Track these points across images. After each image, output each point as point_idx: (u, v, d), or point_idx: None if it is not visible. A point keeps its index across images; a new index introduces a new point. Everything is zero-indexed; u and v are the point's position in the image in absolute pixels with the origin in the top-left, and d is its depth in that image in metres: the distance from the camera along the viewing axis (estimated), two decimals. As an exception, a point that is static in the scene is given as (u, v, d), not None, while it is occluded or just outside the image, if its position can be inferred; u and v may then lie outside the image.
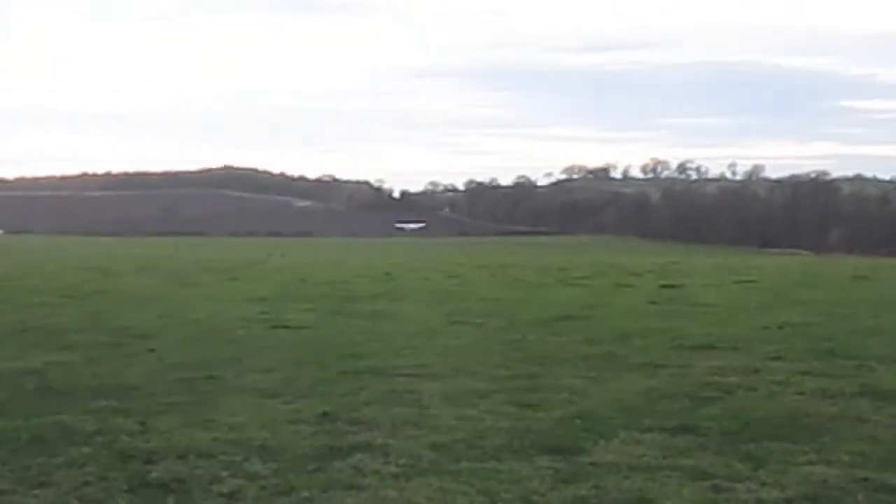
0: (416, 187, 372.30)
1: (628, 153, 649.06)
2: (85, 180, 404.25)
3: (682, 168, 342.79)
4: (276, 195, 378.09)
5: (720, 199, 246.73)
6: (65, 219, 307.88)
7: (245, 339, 19.30)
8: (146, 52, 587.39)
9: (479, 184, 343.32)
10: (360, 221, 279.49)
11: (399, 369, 15.32)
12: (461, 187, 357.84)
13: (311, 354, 17.02)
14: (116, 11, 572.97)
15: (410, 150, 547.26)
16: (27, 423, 11.44)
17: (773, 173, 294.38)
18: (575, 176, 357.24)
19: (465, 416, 11.93)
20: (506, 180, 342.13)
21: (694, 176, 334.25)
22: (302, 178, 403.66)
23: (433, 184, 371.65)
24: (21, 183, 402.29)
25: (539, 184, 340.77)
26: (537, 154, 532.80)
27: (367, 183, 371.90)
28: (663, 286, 32.11)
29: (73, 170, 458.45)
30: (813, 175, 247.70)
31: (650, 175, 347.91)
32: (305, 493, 8.77)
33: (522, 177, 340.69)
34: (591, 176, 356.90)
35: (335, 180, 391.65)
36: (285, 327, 21.00)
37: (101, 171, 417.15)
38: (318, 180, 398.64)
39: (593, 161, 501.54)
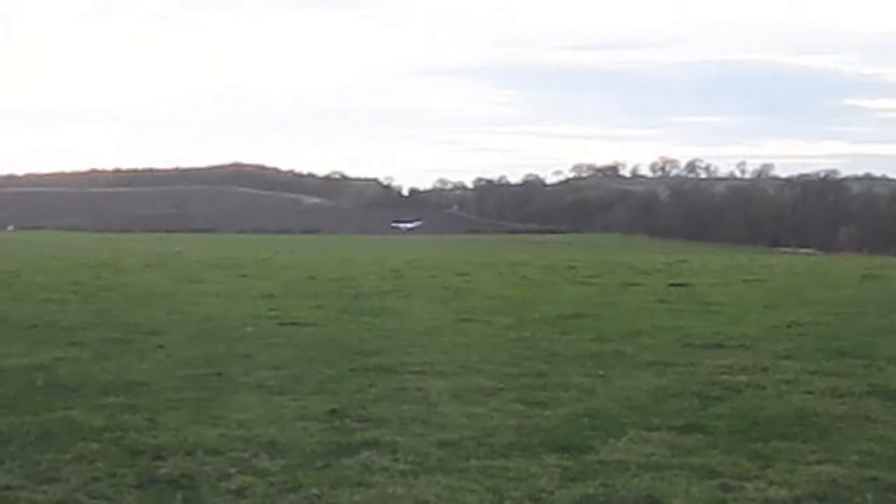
0: (424, 185, 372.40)
1: (637, 151, 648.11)
2: (94, 177, 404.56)
3: (691, 166, 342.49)
4: (284, 192, 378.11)
5: (729, 198, 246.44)
6: (74, 215, 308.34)
7: (253, 335, 19.29)
8: (151, 52, 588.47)
9: (488, 181, 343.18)
10: (368, 219, 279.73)
11: (407, 367, 15.32)
12: (470, 185, 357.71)
13: (320, 351, 17.01)
14: (117, 11, 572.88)
15: (419, 148, 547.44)
16: (36, 418, 11.45)
17: (782, 172, 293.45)
18: (584, 174, 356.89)
19: (474, 414, 11.93)
20: (514, 178, 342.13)
21: (703, 174, 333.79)
22: (311, 176, 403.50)
23: (442, 181, 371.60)
24: (30, 179, 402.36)
25: (548, 182, 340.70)
26: (546, 152, 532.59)
27: (375, 180, 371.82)
28: (672, 285, 32.10)
29: (82, 166, 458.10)
30: (822, 174, 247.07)
31: (659, 173, 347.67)
32: (314, 490, 8.78)
33: (531, 175, 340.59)
34: (599, 174, 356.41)
35: (344, 178, 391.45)
36: (294, 324, 20.98)
37: (109, 167, 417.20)
38: (327, 177, 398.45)
39: (602, 159, 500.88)
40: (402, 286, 32.15)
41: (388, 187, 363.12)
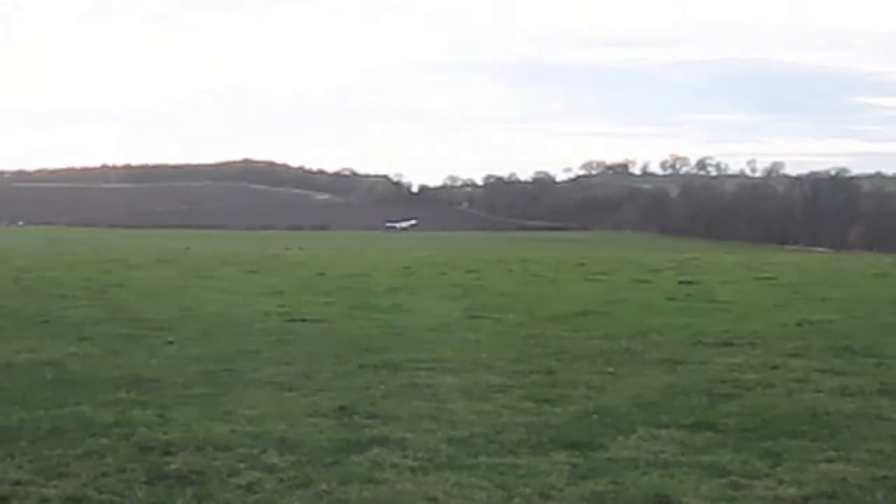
0: (434, 182, 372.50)
1: (647, 149, 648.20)
2: (104, 173, 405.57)
3: (701, 164, 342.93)
4: (294, 188, 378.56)
5: (739, 196, 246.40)
6: (84, 211, 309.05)
7: (263, 332, 19.29)
8: (151, 52, 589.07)
9: (498, 179, 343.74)
10: (378, 215, 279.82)
11: (417, 363, 15.32)
12: (480, 182, 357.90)
13: (329, 348, 17.02)
14: (117, 11, 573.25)
15: (429, 145, 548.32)
16: (46, 414, 11.48)
17: (792, 170, 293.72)
18: (594, 171, 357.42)
19: (483, 411, 11.94)
20: (525, 175, 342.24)
21: (713, 172, 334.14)
22: (321, 172, 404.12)
23: (452, 178, 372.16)
24: (41, 175, 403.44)
25: (558, 179, 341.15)
26: (556, 149, 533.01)
27: (385, 177, 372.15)
28: (682, 283, 32.00)
29: (92, 162, 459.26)
30: (833, 172, 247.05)
31: (669, 171, 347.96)
32: (323, 486, 8.79)
33: (541, 172, 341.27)
34: (610, 171, 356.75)
35: (354, 174, 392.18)
36: (303, 321, 20.98)
37: (120, 163, 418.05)
38: (337, 174, 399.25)
39: (612, 157, 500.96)
40: (412, 283, 32.11)
41: (397, 184, 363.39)
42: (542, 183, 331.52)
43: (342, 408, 11.92)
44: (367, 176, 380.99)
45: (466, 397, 12.83)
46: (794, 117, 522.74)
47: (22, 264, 42.24)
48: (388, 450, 9.98)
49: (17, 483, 8.89)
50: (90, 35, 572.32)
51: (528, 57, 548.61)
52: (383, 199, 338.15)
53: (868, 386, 13.65)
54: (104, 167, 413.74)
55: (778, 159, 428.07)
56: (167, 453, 9.82)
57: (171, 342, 17.75)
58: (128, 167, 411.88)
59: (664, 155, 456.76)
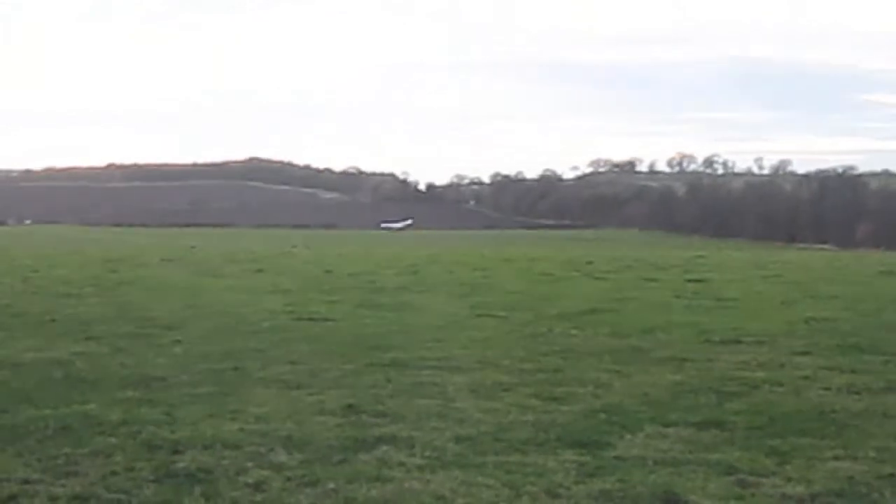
0: (441, 180, 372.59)
1: (654, 147, 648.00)
2: (111, 171, 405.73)
3: (708, 162, 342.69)
4: (301, 187, 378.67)
5: (746, 194, 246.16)
6: (92, 210, 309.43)
7: (270, 330, 19.31)
8: (151, 52, 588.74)
9: (505, 177, 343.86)
10: (385, 213, 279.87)
11: (424, 362, 15.32)
12: (487, 180, 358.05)
13: (337, 346, 17.03)
14: (117, 11, 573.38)
15: (436, 143, 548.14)
16: (55, 412, 11.49)
17: (799, 168, 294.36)
18: (601, 169, 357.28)
19: (490, 409, 11.93)
20: (531, 173, 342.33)
21: (720, 170, 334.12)
22: (327, 171, 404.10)
23: (459, 176, 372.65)
24: (49, 174, 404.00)
25: (565, 177, 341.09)
26: (563, 147, 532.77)
27: (392, 175, 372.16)
28: (689, 280, 32.01)
29: (99, 161, 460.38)
30: (840, 170, 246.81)
31: (676, 169, 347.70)
32: (331, 485, 8.79)
33: (548, 170, 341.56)
34: (616, 170, 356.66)
35: (361, 172, 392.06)
36: (311, 319, 21.01)
37: (127, 162, 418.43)
38: (344, 172, 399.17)
39: (619, 155, 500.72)
40: (419, 281, 32.14)
41: (404, 182, 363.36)
42: (549, 181, 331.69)
43: (349, 406, 11.92)
44: (374, 174, 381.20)
45: (474, 395, 12.83)
46: (802, 115, 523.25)
47: (29, 263, 42.37)
48: (395, 448, 9.99)
49: (26, 481, 8.90)
50: (91, 35, 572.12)
51: (535, 56, 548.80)
52: (390, 198, 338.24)
53: (875, 384, 13.64)
54: (111, 166, 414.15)
55: (785, 157, 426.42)
56: (175, 452, 9.82)
57: (178, 341, 17.76)
58: (134, 166, 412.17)
59: (671, 153, 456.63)
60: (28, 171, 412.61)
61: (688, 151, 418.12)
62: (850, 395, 12.99)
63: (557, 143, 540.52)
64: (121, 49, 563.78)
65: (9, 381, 13.85)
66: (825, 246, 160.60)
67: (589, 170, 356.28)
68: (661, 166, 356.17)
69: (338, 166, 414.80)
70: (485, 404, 12.23)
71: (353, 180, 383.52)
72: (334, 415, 11.54)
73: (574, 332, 19.26)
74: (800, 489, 8.77)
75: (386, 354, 16.01)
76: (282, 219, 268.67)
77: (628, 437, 10.52)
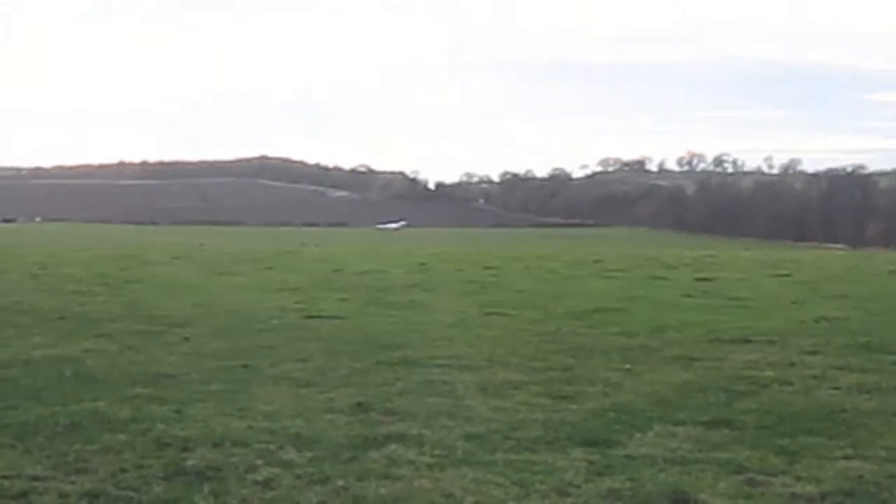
0: (450, 178, 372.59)
1: (664, 146, 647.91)
2: (121, 169, 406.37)
3: (718, 161, 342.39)
4: (311, 185, 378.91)
5: (756, 193, 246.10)
6: (101, 207, 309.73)
7: (279, 328, 19.32)
8: (165, 50, 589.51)
9: (514, 175, 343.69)
10: (394, 212, 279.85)
11: (433, 360, 15.32)
12: (496, 179, 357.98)
13: (346, 344, 17.02)
14: (117, 11, 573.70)
15: (445, 142, 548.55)
16: (64, 409, 11.49)
17: (809, 167, 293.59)
18: (610, 168, 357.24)
19: (500, 408, 11.93)
20: (541, 172, 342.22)
21: (730, 169, 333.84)
22: (337, 169, 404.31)
23: (468, 175, 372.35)
24: (58, 172, 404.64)
25: (574, 176, 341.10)
26: (573, 146, 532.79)
27: (401, 174, 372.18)
28: (698, 279, 31.95)
29: (109, 159, 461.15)
30: (850, 169, 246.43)
31: (686, 168, 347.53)
32: (340, 483, 8.79)
33: (558, 169, 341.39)
34: (626, 168, 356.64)
35: (370, 171, 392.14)
36: (320, 317, 21.00)
37: (137, 160, 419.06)
38: (354, 171, 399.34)
39: (629, 153, 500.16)
40: (429, 279, 32.12)
41: (414, 180, 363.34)
42: (559, 179, 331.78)
43: (359, 404, 11.92)
44: (384, 173, 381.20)
45: (483, 394, 12.82)
46: (811, 114, 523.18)
47: (39, 260, 42.36)
48: (404, 446, 9.98)
49: (35, 478, 8.91)
50: (92, 35, 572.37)
51: (545, 55, 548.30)
52: (399, 196, 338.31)
53: (886, 383, 13.61)
54: (121, 164, 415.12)
55: (795, 156, 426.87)
56: (185, 449, 9.83)
57: (187, 338, 17.78)
58: (144, 164, 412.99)
59: (681, 152, 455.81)
60: (38, 169, 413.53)
61: (698, 150, 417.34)
62: (860, 394, 12.97)
63: (566, 142, 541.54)
64: (121, 49, 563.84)
65: (18, 378, 13.87)
66: (835, 245, 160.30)
67: (598, 168, 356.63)
68: (671, 165, 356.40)
69: (347, 164, 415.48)
70: (494, 402, 12.23)
71: (362, 179, 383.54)
72: (344, 413, 11.54)
73: (583, 330, 19.26)
74: (809, 488, 8.76)
75: (395, 353, 16.01)
76: (291, 217, 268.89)
77: (638, 435, 10.51)
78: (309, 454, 9.67)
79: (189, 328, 19.11)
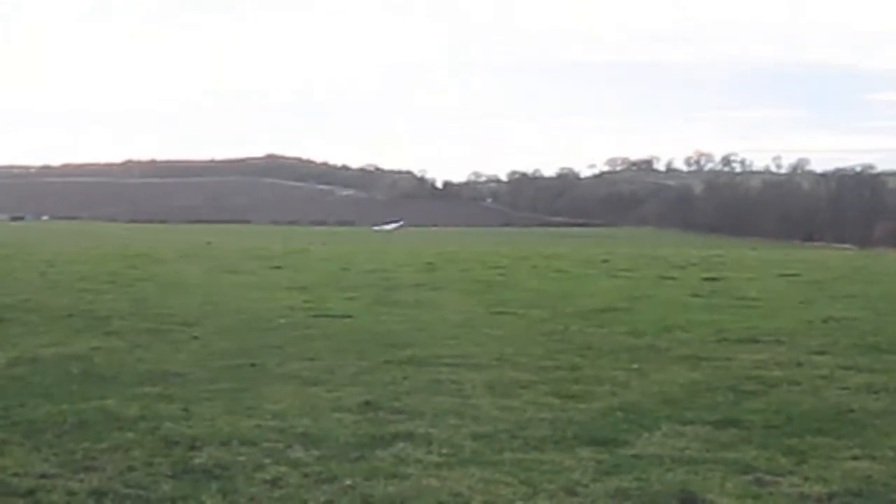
0: (458, 177, 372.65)
1: (672, 145, 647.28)
2: (129, 168, 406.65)
3: (726, 160, 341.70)
4: (318, 184, 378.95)
5: (764, 193, 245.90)
6: (109, 206, 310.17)
7: (287, 327, 19.34)
8: (172, 50, 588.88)
9: (522, 175, 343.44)
10: (402, 211, 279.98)
11: (441, 359, 15.32)
12: (504, 178, 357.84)
13: (354, 343, 17.04)
14: (117, 11, 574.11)
15: (453, 141, 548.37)
16: (72, 407, 11.51)
17: (817, 167, 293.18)
18: (618, 168, 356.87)
19: (508, 407, 11.93)
20: (549, 171, 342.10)
21: (738, 169, 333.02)
22: (345, 168, 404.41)
23: (476, 174, 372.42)
24: (66, 170, 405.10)
25: (582, 175, 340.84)
26: (580, 145, 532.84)
27: (409, 173, 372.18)
28: (706, 279, 31.94)
29: (117, 157, 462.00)
30: (858, 168, 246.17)
31: (694, 167, 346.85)
32: (348, 481, 8.79)
33: (565, 168, 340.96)
34: (634, 168, 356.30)
35: (378, 169, 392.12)
36: (327, 316, 21.01)
37: (145, 159, 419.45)
38: (361, 169, 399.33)
39: (637, 153, 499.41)
40: (436, 279, 32.12)
41: (422, 179, 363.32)
42: (566, 179, 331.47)
43: (367, 403, 11.93)
44: (391, 172, 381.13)
45: (491, 393, 12.83)
46: (820, 114, 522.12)
47: (47, 258, 42.44)
48: (412, 445, 9.99)
49: (43, 476, 8.93)
50: (93, 34, 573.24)
51: (552, 54, 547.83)
52: (407, 195, 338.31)
53: (894, 383, 13.57)
54: (129, 162, 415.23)
55: (803, 155, 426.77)
56: (192, 448, 9.84)
57: (195, 337, 17.81)
58: (152, 162, 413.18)
59: (689, 151, 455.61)
60: (46, 167, 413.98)
61: (705, 150, 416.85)
62: (868, 394, 12.95)
63: (567, 141, 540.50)
64: (121, 49, 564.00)
65: (26, 376, 13.90)
66: (843, 245, 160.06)
67: (606, 168, 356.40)
68: (679, 164, 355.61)
69: (355, 163, 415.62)
70: (502, 402, 12.23)
71: (370, 177, 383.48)
72: (351, 411, 11.54)
73: (591, 329, 19.26)
74: (817, 488, 8.76)
75: (403, 351, 16.02)
76: (298, 215, 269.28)
77: (645, 435, 10.51)
78: (317, 453, 9.68)
79: (197, 327, 19.14)
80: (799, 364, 15.18)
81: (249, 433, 10.38)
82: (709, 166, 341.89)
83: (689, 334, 18.57)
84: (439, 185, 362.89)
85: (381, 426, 10.78)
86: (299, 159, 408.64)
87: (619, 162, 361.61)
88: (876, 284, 31.05)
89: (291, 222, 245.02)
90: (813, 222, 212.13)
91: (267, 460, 9.42)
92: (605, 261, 43.54)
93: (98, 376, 13.88)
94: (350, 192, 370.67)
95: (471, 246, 76.14)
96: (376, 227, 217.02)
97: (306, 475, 9.00)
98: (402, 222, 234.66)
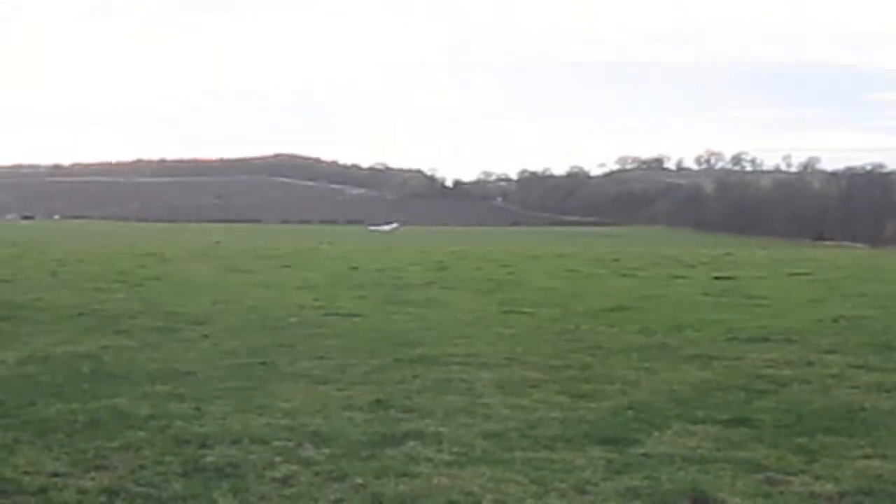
0: (468, 176, 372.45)
1: (683, 144, 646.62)
2: (139, 167, 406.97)
3: (736, 159, 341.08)
4: (328, 183, 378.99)
5: (774, 191, 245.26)
6: (119, 205, 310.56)
7: (298, 326, 19.36)
8: (180, 49, 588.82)
9: (532, 173, 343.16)
10: (412, 209, 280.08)
11: (452, 358, 15.33)
12: (514, 177, 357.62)
13: (364, 342, 17.06)
14: (117, 11, 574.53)
15: (453, 141, 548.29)
16: (83, 406, 11.53)
17: (828, 165, 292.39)
18: (628, 166, 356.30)
19: (518, 406, 11.93)
20: (559, 170, 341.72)
21: (748, 167, 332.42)
22: (355, 167, 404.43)
23: (486, 173, 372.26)
24: (77, 169, 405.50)
25: (592, 174, 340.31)
26: (591, 144, 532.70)
27: (419, 171, 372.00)
28: (717, 278, 31.93)
29: (127, 156, 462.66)
30: (869, 167, 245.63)
31: (704, 166, 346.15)
32: (358, 480, 8.80)
33: (576, 167, 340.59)
34: (644, 167, 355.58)
35: (388, 168, 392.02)
36: (338, 315, 21.03)
37: (155, 157, 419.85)
38: (371, 168, 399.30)
39: (647, 152, 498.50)
40: (446, 277, 32.13)
41: (432, 178, 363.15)
42: (577, 178, 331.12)
43: (377, 401, 11.94)
44: (401, 170, 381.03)
45: (501, 392, 12.83)
46: (830, 112, 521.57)
47: (58, 257, 42.52)
48: (423, 444, 9.99)
49: (55, 475, 8.94)
50: (93, 34, 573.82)
51: (562, 54, 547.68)
52: (417, 194, 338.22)
53: (905, 382, 13.58)
54: (139, 161, 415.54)
55: (813, 154, 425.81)
56: (203, 446, 9.85)
57: (206, 336, 17.84)
58: (162, 162, 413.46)
59: (699, 150, 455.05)
60: (56, 167, 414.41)
61: (716, 149, 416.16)
62: (879, 393, 12.94)
63: (585, 139, 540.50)
64: (121, 49, 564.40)
65: (38, 375, 13.93)
66: (854, 243, 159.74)
67: (616, 166, 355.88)
68: (689, 163, 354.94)
69: (365, 162, 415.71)
70: (512, 401, 12.23)
71: (380, 176, 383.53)
72: (362, 410, 11.55)
73: (602, 328, 19.26)
74: (828, 487, 8.75)
75: (413, 350, 16.03)
76: (308, 215, 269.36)
77: (656, 434, 10.50)
78: (327, 451, 9.69)
79: (207, 325, 19.16)
80: (810, 363, 15.17)
81: (260, 432, 10.39)
82: (719, 165, 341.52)
83: (700, 333, 18.56)
84: (449, 184, 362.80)
85: (391, 425, 10.79)
86: (308, 158, 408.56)
87: (629, 161, 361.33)
88: (887, 283, 31.01)
89: (301, 221, 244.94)
90: (823, 221, 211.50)
91: (278, 459, 9.43)
92: (616, 260, 43.57)
93: (109, 375, 13.90)
94: (360, 191, 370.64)
95: (480, 245, 76.12)
96: (372, 227, 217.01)
97: (317, 473, 9.01)
98: (398, 224, 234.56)
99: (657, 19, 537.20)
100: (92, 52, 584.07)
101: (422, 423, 10.84)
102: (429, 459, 9.46)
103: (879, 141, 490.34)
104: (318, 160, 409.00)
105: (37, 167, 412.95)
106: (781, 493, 8.64)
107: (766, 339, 17.73)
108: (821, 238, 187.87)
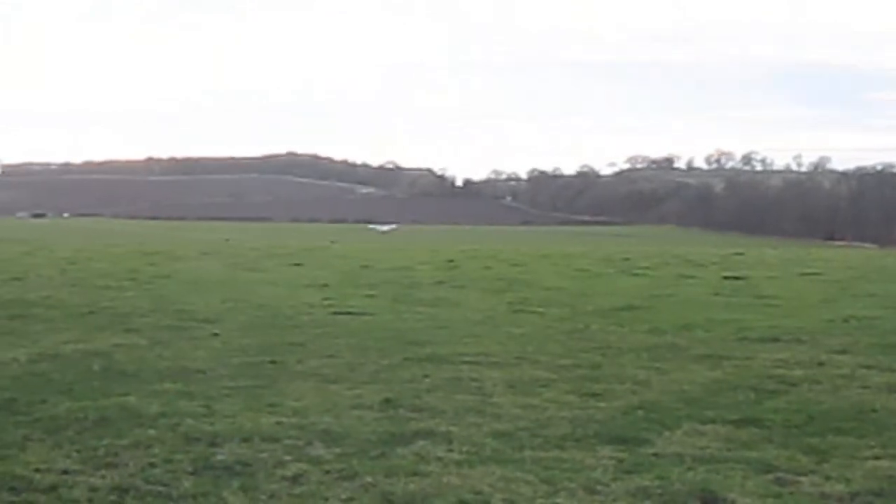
0: (478, 175, 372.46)
1: (693, 144, 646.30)
2: (150, 165, 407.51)
3: (746, 159, 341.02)
4: (338, 182, 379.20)
5: (785, 191, 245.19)
6: (130, 203, 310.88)
7: (308, 324, 19.36)
8: (187, 48, 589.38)
9: (542, 173, 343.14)
10: (422, 208, 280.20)
11: (462, 357, 15.32)
12: (524, 176, 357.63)
13: (374, 341, 17.05)
14: (117, 11, 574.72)
15: (473, 139, 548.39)
16: (93, 404, 11.54)
17: (838, 165, 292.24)
18: (638, 166, 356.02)
19: (528, 405, 11.92)
20: (569, 170, 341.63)
21: (759, 167, 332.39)
22: (364, 166, 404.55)
23: (496, 172, 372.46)
24: (87, 167, 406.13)
25: (602, 173, 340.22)
26: (601, 144, 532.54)
27: (429, 170, 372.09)
28: (727, 277, 31.87)
29: (138, 154, 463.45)
30: (879, 167, 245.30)
31: (714, 166, 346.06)
32: (368, 479, 8.80)
33: (585, 166, 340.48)
34: (654, 166, 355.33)
35: (398, 167, 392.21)
36: (348, 313, 21.03)
37: (165, 156, 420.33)
38: (381, 167, 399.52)
39: (657, 151, 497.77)
40: (457, 276, 32.11)
41: (441, 177, 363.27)
42: (587, 177, 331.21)
43: (387, 400, 11.94)
44: (411, 169, 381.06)
45: (511, 391, 12.82)
46: (840, 112, 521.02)
47: (68, 255, 42.57)
48: (432, 443, 9.99)
49: (65, 472, 8.95)
50: (93, 34, 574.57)
51: (573, 53, 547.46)
52: (427, 193, 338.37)
53: (916, 383, 13.55)
54: (149, 160, 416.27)
55: (824, 154, 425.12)
56: (213, 444, 9.86)
57: (216, 334, 17.84)
58: (172, 160, 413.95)
59: (710, 149, 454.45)
60: (67, 165, 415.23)
61: (726, 148, 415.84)
62: (889, 393, 12.91)
63: (595, 139, 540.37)
64: (121, 49, 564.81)
65: (48, 372, 13.94)
66: (864, 243, 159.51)
67: (626, 166, 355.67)
68: (700, 163, 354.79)
69: (375, 161, 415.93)
70: (522, 400, 12.23)
71: (390, 175, 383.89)
72: (372, 409, 11.55)
73: (612, 328, 19.23)
74: (839, 488, 8.73)
75: (423, 349, 16.02)
76: (318, 213, 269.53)
77: (666, 434, 10.49)
78: (337, 450, 9.69)
79: (217, 324, 19.17)
80: (820, 363, 15.14)
81: (270, 430, 10.39)
82: (729, 165, 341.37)
83: (710, 333, 18.54)
84: (459, 183, 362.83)
85: (401, 424, 10.79)
86: (319, 157, 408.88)
87: (639, 160, 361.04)
88: (897, 283, 30.92)
89: (311, 220, 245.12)
90: (834, 221, 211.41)
91: (288, 457, 9.43)
92: (626, 259, 43.48)
93: (119, 373, 13.92)
94: (370, 190, 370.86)
95: (490, 244, 76.09)
96: (371, 226, 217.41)
97: (327, 472, 9.01)
98: (395, 225, 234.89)
99: (657, 19, 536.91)
100: (92, 52, 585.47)
101: (432, 423, 10.84)
102: (439, 459, 9.45)
103: (880, 140, 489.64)
104: (328, 159, 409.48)
105: (47, 165, 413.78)
106: (792, 493, 8.62)
107: (776, 340, 17.69)
108: (831, 238, 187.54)
